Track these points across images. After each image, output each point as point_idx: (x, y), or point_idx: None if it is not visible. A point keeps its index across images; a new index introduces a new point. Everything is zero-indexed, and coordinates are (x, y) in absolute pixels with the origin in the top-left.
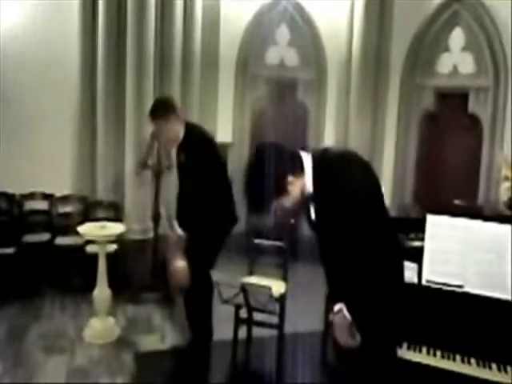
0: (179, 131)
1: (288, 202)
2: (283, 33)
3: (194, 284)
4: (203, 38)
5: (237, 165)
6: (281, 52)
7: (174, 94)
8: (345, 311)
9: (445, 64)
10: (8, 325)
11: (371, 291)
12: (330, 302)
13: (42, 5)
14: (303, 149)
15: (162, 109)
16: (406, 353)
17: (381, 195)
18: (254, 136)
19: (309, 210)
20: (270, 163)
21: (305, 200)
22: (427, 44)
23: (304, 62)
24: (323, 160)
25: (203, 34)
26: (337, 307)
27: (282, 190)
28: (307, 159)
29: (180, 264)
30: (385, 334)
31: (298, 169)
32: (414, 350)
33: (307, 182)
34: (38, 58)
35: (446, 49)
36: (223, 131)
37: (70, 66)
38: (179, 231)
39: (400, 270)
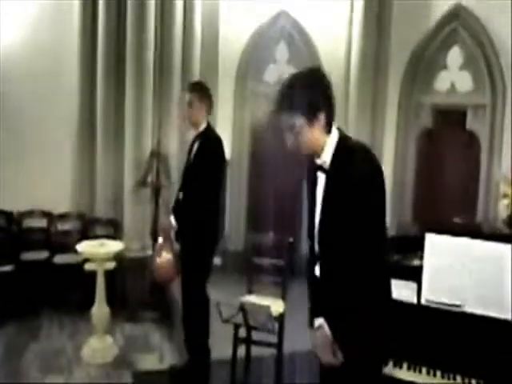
0: (201, 118)
1: (305, 137)
2: (282, 51)
3: (191, 300)
4: (202, 55)
5: (236, 182)
6: (280, 70)
7: (173, 111)
8: (326, 327)
9: (443, 82)
10: (6, 344)
11: (356, 309)
12: (311, 317)
13: (40, 21)
14: None
15: (200, 88)
16: (405, 373)
17: (385, 199)
18: (254, 153)
19: (314, 181)
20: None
21: (314, 168)
22: (425, 62)
23: None
24: (348, 143)
25: (202, 52)
26: (317, 323)
27: (310, 115)
28: (334, 131)
29: (166, 256)
30: (368, 352)
31: (330, 121)
32: (414, 370)
33: (328, 150)
34: (37, 75)
35: (444, 67)
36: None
37: (69, 84)
38: (172, 220)
39: (387, 287)
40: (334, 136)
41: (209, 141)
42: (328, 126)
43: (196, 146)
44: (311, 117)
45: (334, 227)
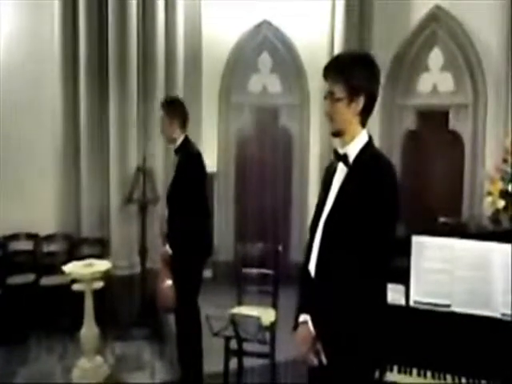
0: (173, 134)
1: (339, 108)
2: (265, 60)
3: (182, 314)
4: (185, 68)
5: (223, 194)
6: (263, 79)
7: (158, 124)
8: (309, 324)
9: (425, 83)
10: None
11: (349, 308)
12: (297, 317)
13: (19, 39)
14: None
15: (174, 104)
16: (396, 376)
17: (396, 217)
18: (239, 164)
19: (332, 173)
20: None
21: (336, 158)
22: (407, 65)
23: (286, 88)
24: (375, 149)
25: (185, 65)
26: (302, 318)
27: (353, 85)
28: (365, 131)
29: (167, 283)
30: (359, 356)
31: (370, 106)
32: (405, 372)
33: (355, 144)
34: (17, 92)
35: (426, 68)
36: (208, 161)
37: (51, 101)
38: (168, 249)
39: (383, 291)
40: (365, 135)
41: (185, 156)
42: (364, 116)
43: (176, 160)
44: (352, 94)
45: (344, 222)
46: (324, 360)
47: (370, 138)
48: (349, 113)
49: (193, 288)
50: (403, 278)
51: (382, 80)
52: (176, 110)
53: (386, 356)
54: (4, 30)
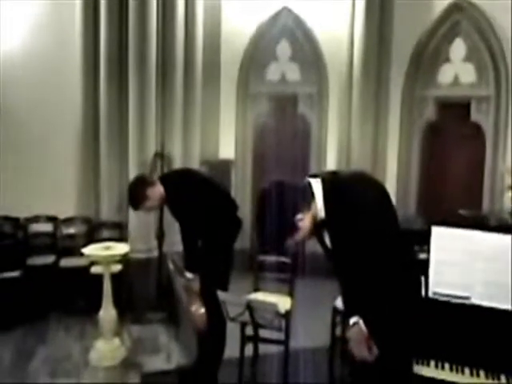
0: (161, 192)
1: (300, 236)
2: (284, 48)
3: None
4: (204, 57)
5: (240, 181)
6: (282, 67)
7: (176, 113)
8: (361, 324)
9: (446, 74)
10: (14, 349)
11: (388, 305)
12: (345, 317)
13: (41, 26)
14: (311, 175)
15: (137, 196)
16: (414, 367)
17: (393, 211)
18: (257, 152)
19: (323, 237)
20: (277, 205)
21: (318, 227)
22: (428, 55)
23: (305, 76)
24: (334, 182)
25: (204, 53)
26: (352, 320)
27: (292, 228)
28: (317, 185)
29: (199, 311)
30: (402, 348)
31: (308, 200)
32: (423, 363)
33: (319, 208)
34: (39, 81)
35: (447, 59)
36: (226, 148)
37: (71, 88)
38: (190, 275)
39: (417, 284)
40: (318, 194)
41: (177, 195)
42: (309, 203)
43: (170, 202)
44: (295, 229)
45: (353, 263)
46: (376, 353)
47: (322, 179)
48: (306, 222)
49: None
50: (423, 269)
51: (403, 70)
52: (146, 180)
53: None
54: (28, 22)
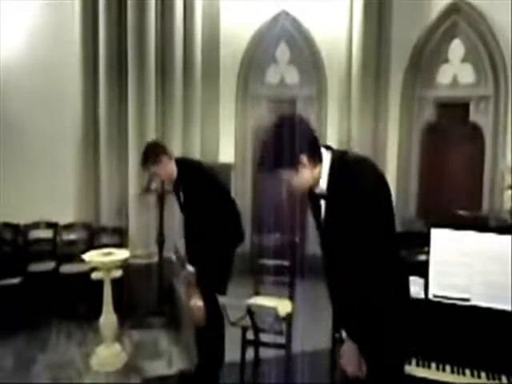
0: (173, 170)
1: (296, 182)
2: (283, 51)
3: (208, 312)
4: (203, 60)
5: (240, 185)
6: (281, 70)
7: (176, 116)
8: (349, 340)
9: (445, 75)
10: (15, 355)
11: (375, 308)
12: (336, 331)
13: (40, 31)
14: (324, 146)
15: (153, 154)
16: (415, 369)
17: (391, 207)
18: (256, 155)
19: (319, 209)
20: (286, 135)
21: (315, 197)
22: (427, 56)
23: (304, 79)
24: (343, 159)
25: (203, 57)
26: (344, 335)
27: (293, 165)
28: (326, 155)
29: (197, 304)
30: (391, 353)
31: (314, 155)
32: (423, 366)
33: (322, 178)
34: (38, 86)
35: (446, 60)
36: (225, 152)
37: (71, 94)
38: (190, 268)
39: (405, 287)
40: (326, 161)
41: (190, 179)
42: (314, 158)
43: (181, 189)
44: (293, 166)
45: (341, 246)
46: (365, 370)
47: (334, 155)
48: (303, 176)
49: (220, 291)
50: (422, 270)
51: (402, 71)
52: (165, 148)
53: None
54: (26, 25)
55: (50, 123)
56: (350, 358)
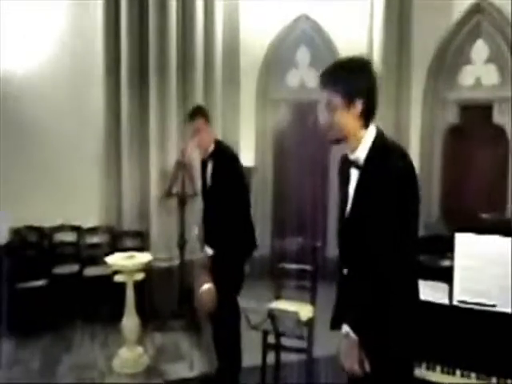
0: (210, 140)
1: (334, 120)
2: (303, 55)
3: (222, 310)
4: (223, 63)
5: (260, 189)
6: (301, 74)
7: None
8: (351, 333)
9: (468, 76)
10: (41, 355)
11: (382, 308)
12: (333, 326)
13: (64, 39)
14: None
15: (202, 112)
16: (439, 376)
17: (419, 199)
18: (277, 159)
19: (347, 178)
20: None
21: (347, 164)
22: (449, 57)
23: None
24: (387, 139)
25: (223, 60)
26: (344, 330)
27: (342, 96)
28: (372, 130)
29: (207, 286)
30: (397, 355)
31: (366, 109)
32: (448, 373)
33: (363, 146)
34: (62, 93)
35: (469, 61)
36: (246, 156)
37: (94, 99)
38: (209, 251)
39: (415, 288)
40: (371, 132)
41: (224, 160)
42: (365, 118)
43: (210, 166)
44: (348, 100)
45: (364, 225)
46: (367, 368)
47: (379, 132)
48: (347, 119)
49: (235, 286)
50: (446, 276)
51: (424, 73)
52: (208, 115)
53: (425, 353)
54: (50, 30)
55: (73, 128)
56: (348, 353)
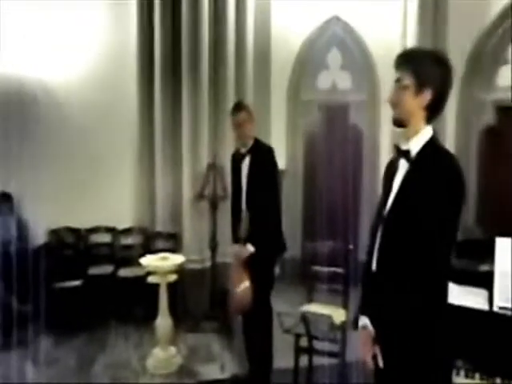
0: (251, 135)
1: (401, 100)
2: (334, 56)
3: (256, 311)
4: (255, 65)
5: (291, 191)
6: (332, 76)
7: (228, 124)
8: (370, 327)
9: (504, 77)
10: (77, 354)
11: (410, 308)
12: (356, 326)
13: (100, 48)
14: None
15: (246, 107)
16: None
17: (459, 214)
18: (308, 162)
19: (394, 171)
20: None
21: (398, 153)
22: (486, 58)
23: (356, 84)
24: (439, 142)
25: (254, 62)
26: (361, 322)
27: (415, 76)
28: (429, 129)
29: (245, 285)
30: (424, 359)
31: (437, 97)
32: (488, 380)
33: (418, 140)
34: (99, 102)
35: (505, 62)
36: (277, 158)
37: (128, 108)
38: (250, 248)
39: (443, 291)
40: (429, 131)
41: (263, 153)
42: (430, 111)
43: (248, 160)
44: (419, 85)
45: (404, 219)
46: (381, 363)
47: (435, 134)
48: (414, 103)
49: (268, 285)
50: (487, 282)
51: (459, 74)
52: (251, 110)
53: (464, 360)
54: (84, 34)
55: (107, 131)
56: (365, 346)
